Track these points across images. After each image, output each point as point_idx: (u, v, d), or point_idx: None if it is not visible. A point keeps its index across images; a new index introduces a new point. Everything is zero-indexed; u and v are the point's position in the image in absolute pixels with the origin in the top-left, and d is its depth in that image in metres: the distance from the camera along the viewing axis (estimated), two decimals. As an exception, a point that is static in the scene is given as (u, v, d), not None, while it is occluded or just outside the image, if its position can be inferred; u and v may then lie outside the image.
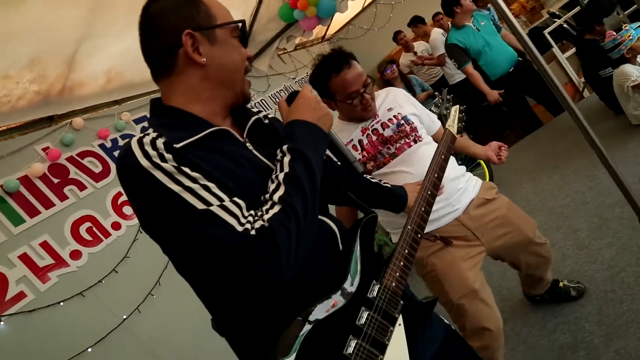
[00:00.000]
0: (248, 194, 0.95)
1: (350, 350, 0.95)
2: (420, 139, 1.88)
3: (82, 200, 2.37)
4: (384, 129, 1.87)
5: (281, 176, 0.95)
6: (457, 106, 1.64)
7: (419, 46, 6.45)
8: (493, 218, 1.86)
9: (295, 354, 0.89)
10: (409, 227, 1.17)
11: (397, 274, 1.10)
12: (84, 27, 2.40)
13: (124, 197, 2.57)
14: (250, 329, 1.01)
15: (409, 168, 1.82)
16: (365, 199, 1.32)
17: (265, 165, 1.05)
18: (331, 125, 1.11)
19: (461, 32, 4.29)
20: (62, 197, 2.27)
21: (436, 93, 4.09)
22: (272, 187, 0.95)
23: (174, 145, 0.93)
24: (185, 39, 1.01)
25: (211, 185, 0.91)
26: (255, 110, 1.21)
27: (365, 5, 7.60)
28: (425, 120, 1.99)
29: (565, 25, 4.96)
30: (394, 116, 1.89)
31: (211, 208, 0.87)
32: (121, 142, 2.81)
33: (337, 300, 0.98)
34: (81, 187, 2.40)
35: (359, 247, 1.08)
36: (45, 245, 2.06)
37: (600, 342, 2.05)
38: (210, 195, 0.89)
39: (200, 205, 0.87)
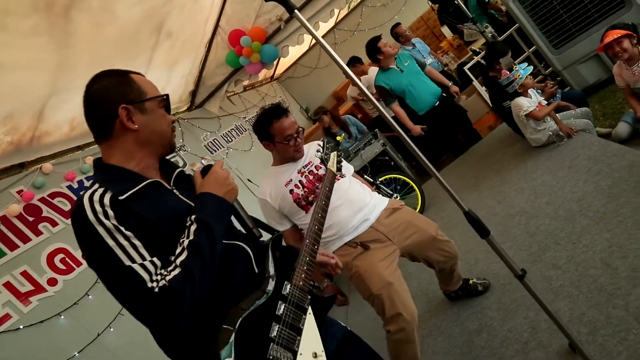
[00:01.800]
0: (177, 228, 1.23)
1: (274, 333, 1.24)
2: (345, 176, 2.38)
3: (55, 235, 2.67)
4: (317, 170, 2.35)
5: (186, 242, 1.20)
6: (335, 152, 2.12)
7: (364, 81, 7.05)
8: (400, 223, 2.34)
9: (233, 353, 1.15)
10: (307, 240, 1.54)
11: (303, 275, 1.42)
12: (51, 84, 2.75)
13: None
14: (188, 347, 1.24)
15: (338, 200, 2.27)
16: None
17: (189, 205, 1.32)
18: (235, 198, 1.38)
19: (386, 74, 4.80)
20: (37, 233, 2.58)
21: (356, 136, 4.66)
22: (178, 250, 1.20)
23: (119, 198, 1.20)
24: (121, 111, 1.28)
25: (138, 244, 1.16)
26: (181, 164, 1.56)
27: (310, 46, 8.19)
28: (344, 163, 2.46)
29: (482, 61, 5.63)
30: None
31: (133, 266, 1.13)
32: (87, 183, 3.13)
33: (259, 301, 1.29)
34: (53, 223, 2.71)
35: (271, 258, 1.42)
36: (25, 274, 2.36)
37: (498, 324, 2.52)
38: (136, 254, 1.15)
39: (126, 262, 1.13)
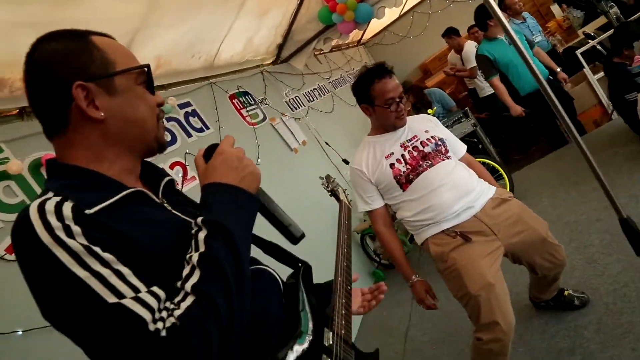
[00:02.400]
0: (173, 263, 0.81)
1: None
2: (450, 157, 2.11)
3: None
4: (423, 147, 2.09)
5: (195, 258, 0.78)
6: (343, 189, 1.82)
7: (451, 57, 6.56)
8: (508, 216, 2.03)
9: None
10: (339, 278, 1.17)
11: (343, 322, 1.04)
12: (140, 19, 2.64)
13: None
14: None
15: (443, 180, 2.02)
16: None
17: (188, 223, 0.88)
18: (258, 186, 0.94)
19: (492, 44, 4.35)
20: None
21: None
22: (185, 271, 0.78)
23: (85, 212, 0.77)
24: (77, 92, 0.85)
25: (125, 271, 0.75)
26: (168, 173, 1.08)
27: (402, 12, 7.72)
28: (452, 142, 2.21)
29: (598, 47, 5.01)
30: (432, 137, 2.13)
31: (123, 301, 0.71)
32: (167, 124, 3.03)
33: (300, 347, 0.91)
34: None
35: (304, 294, 1.04)
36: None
37: (596, 348, 2.18)
38: (124, 285, 0.73)
39: (110, 298, 0.71)
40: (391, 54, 8.62)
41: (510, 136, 6.31)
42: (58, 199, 0.78)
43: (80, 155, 0.88)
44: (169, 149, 2.95)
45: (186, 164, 3.02)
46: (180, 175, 2.92)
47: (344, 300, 1.10)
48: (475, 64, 5.74)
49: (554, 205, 3.67)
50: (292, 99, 4.88)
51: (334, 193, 1.73)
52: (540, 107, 4.47)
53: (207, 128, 3.42)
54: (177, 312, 0.73)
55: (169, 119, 3.08)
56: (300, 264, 1.11)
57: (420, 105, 6.01)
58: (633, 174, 3.38)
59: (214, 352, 0.72)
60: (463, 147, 2.28)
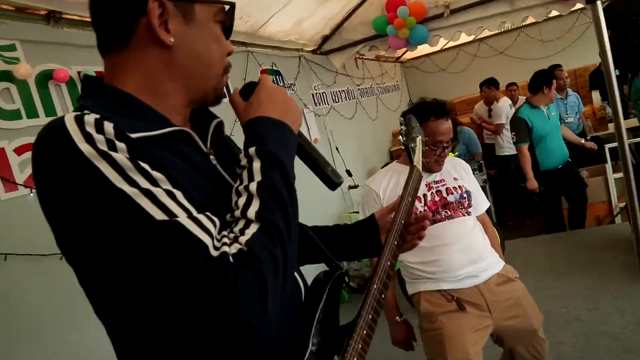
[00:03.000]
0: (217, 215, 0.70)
1: None
2: (470, 213, 2.00)
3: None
4: (448, 194, 1.98)
5: (253, 186, 0.70)
6: (421, 137, 1.39)
7: (479, 108, 6.49)
8: (508, 297, 1.93)
9: None
10: (375, 286, 0.94)
11: (360, 346, 0.86)
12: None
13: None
14: None
15: (457, 239, 1.92)
16: (332, 246, 1.05)
17: (230, 186, 0.77)
18: (300, 124, 0.87)
19: (534, 111, 4.30)
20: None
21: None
22: (241, 200, 0.70)
23: (128, 134, 0.67)
24: (153, 5, 0.74)
25: (177, 192, 0.65)
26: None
27: (449, 46, 7.65)
28: (477, 197, 2.09)
29: (631, 147, 4.97)
30: (460, 186, 2.01)
31: (176, 218, 0.62)
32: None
33: None
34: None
35: (323, 308, 0.87)
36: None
37: None
38: (177, 206, 0.64)
39: (158, 215, 0.61)
40: (425, 81, 8.56)
41: (510, 200, 6.28)
42: (97, 116, 0.66)
43: (132, 81, 0.77)
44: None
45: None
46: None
47: (370, 317, 0.89)
48: (503, 122, 5.71)
49: (537, 289, 3.57)
50: (319, 93, 4.76)
51: (409, 148, 1.35)
52: (554, 187, 4.47)
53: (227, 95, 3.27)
54: (243, 239, 0.65)
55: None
56: (334, 268, 0.94)
57: None
58: (626, 285, 3.32)
59: (279, 281, 0.66)
60: (485, 206, 2.16)
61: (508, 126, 5.70)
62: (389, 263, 0.99)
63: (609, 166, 5.06)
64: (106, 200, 0.62)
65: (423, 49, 7.60)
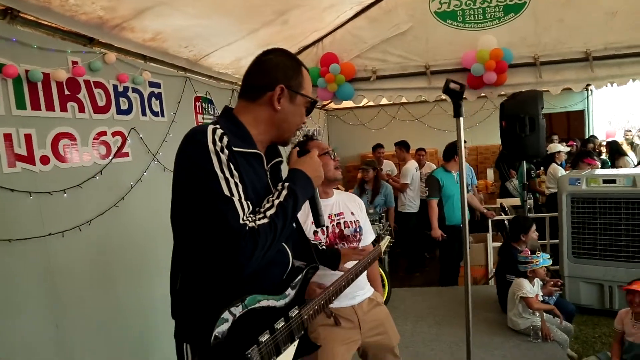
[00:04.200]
0: (254, 203, 1.31)
1: (263, 339, 1.29)
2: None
3: (75, 120, 2.55)
4: (345, 227, 2.32)
5: (277, 202, 1.33)
6: (389, 237, 2.13)
7: (387, 165, 7.13)
8: (375, 318, 2.33)
9: (226, 331, 1.21)
10: (332, 288, 1.66)
11: (311, 312, 1.50)
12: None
13: (103, 137, 2.80)
14: (200, 309, 1.30)
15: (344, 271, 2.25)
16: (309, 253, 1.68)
17: (271, 191, 1.43)
18: (319, 184, 1.54)
19: (446, 174, 5.19)
20: (63, 108, 2.45)
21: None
22: (267, 205, 1.32)
23: (232, 147, 1.29)
24: (278, 89, 1.42)
25: (240, 185, 1.27)
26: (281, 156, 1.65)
27: (372, 103, 8.28)
28: (366, 231, 2.46)
29: (506, 223, 5.71)
30: (355, 221, 2.37)
31: (232, 197, 1.23)
32: (130, 93, 3.05)
33: (273, 302, 1.38)
34: (81, 109, 2.58)
35: (300, 281, 1.51)
36: (27, 137, 2.22)
37: None
38: (235, 190, 1.25)
39: (226, 192, 1.23)
40: (346, 131, 9.13)
41: (403, 253, 6.83)
42: (222, 132, 1.30)
43: (247, 118, 1.44)
44: (120, 116, 2.95)
45: (127, 138, 3.01)
46: (119, 145, 2.90)
47: (322, 302, 1.58)
48: (408, 182, 6.32)
49: (413, 333, 4.05)
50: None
51: (379, 235, 1.97)
52: (451, 242, 5.15)
53: (162, 115, 3.44)
54: (258, 223, 1.24)
55: (135, 90, 3.10)
56: (313, 265, 1.58)
57: (367, 188, 6.09)
58: (484, 339, 3.83)
59: (263, 250, 1.24)
60: (371, 238, 2.54)
61: (412, 186, 6.36)
62: (351, 276, 1.85)
63: (489, 236, 5.78)
64: (207, 172, 1.24)
65: (348, 102, 8.22)
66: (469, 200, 5.22)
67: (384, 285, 4.64)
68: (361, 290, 2.33)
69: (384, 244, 2.16)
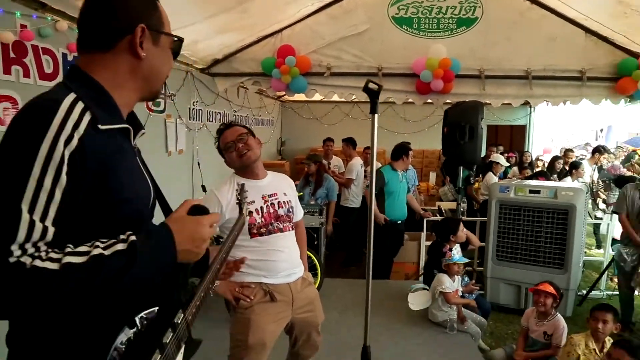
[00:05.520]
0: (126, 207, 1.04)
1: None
2: (292, 228, 2.50)
3: (19, 84, 2.53)
4: (279, 208, 2.43)
5: (110, 249, 0.94)
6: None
7: (334, 160, 7.30)
8: (306, 296, 2.48)
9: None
10: (209, 276, 1.33)
11: (194, 311, 1.22)
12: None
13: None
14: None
15: (284, 248, 2.40)
16: None
17: (151, 187, 1.17)
18: (192, 261, 1.13)
19: (392, 172, 5.38)
20: (7, 71, 2.44)
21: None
22: (105, 244, 0.95)
23: (99, 126, 0.97)
24: (138, 30, 1.07)
25: (57, 198, 0.90)
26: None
27: (327, 99, 8.45)
28: (296, 208, 2.59)
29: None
30: (288, 201, 2.49)
31: (25, 215, 0.86)
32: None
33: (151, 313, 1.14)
34: (26, 74, 2.58)
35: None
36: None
37: None
38: (44, 204, 0.89)
39: (25, 203, 0.87)
40: (299, 124, 9.24)
41: (342, 247, 7.03)
42: (82, 106, 0.96)
43: (106, 76, 1.07)
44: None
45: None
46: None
47: (202, 294, 1.28)
48: (353, 178, 6.53)
49: (339, 322, 4.23)
50: (197, 109, 5.06)
51: (240, 203, 1.86)
52: (386, 236, 5.36)
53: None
54: (67, 257, 0.89)
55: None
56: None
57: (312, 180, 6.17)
58: (405, 327, 4.09)
59: (44, 299, 0.87)
60: (301, 214, 2.66)
61: (356, 182, 6.57)
62: (218, 266, 1.39)
63: (423, 235, 6.07)
64: (17, 165, 0.88)
65: (302, 96, 8.35)
66: (408, 200, 5.65)
67: (315, 274, 4.80)
68: (297, 268, 2.46)
69: (246, 210, 1.92)
